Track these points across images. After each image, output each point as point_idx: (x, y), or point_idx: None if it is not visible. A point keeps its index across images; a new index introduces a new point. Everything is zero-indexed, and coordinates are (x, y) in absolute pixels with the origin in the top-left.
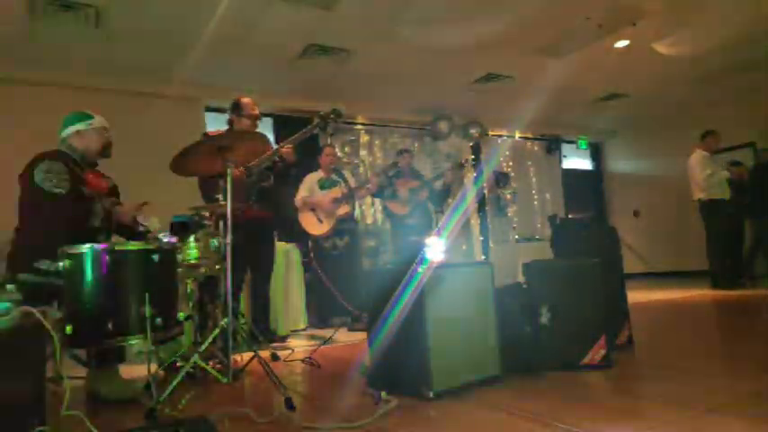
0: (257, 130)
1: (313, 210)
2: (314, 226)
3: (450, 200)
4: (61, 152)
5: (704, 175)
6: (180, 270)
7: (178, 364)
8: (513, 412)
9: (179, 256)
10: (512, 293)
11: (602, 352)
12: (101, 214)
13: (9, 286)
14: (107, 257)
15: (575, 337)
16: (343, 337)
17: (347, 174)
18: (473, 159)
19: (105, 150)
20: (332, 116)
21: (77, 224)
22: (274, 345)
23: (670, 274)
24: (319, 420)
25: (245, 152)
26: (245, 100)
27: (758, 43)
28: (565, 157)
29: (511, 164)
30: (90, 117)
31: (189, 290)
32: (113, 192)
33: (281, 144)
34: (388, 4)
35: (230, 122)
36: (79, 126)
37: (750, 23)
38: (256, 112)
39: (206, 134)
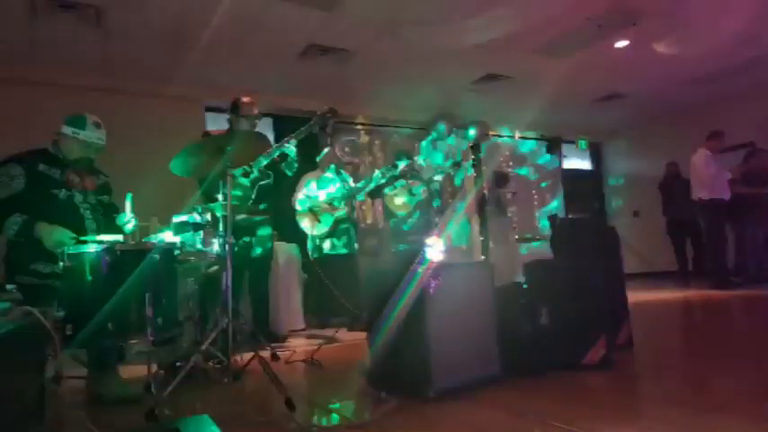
0: (257, 130)
1: (311, 210)
2: (313, 226)
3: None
4: (38, 152)
5: (708, 174)
6: (180, 270)
7: (178, 364)
8: (513, 412)
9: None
10: (512, 293)
11: (602, 352)
12: (15, 228)
13: (9, 286)
14: (107, 257)
15: (575, 337)
16: (343, 337)
17: (346, 173)
18: (473, 160)
19: (78, 162)
20: (328, 114)
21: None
22: (274, 345)
23: (670, 274)
24: (319, 420)
25: (245, 152)
26: (244, 100)
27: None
28: (565, 157)
29: (511, 164)
30: (81, 128)
31: (189, 290)
32: (105, 190)
33: (282, 142)
34: (389, 4)
35: (230, 122)
36: (67, 130)
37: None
38: (255, 112)
39: (206, 132)
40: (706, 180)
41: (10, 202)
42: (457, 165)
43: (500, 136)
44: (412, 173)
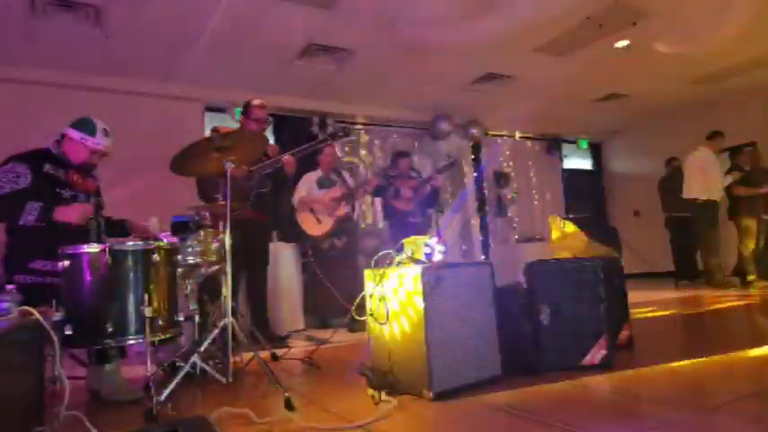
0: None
1: (311, 210)
2: (312, 226)
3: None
4: (40, 151)
5: (712, 174)
6: (180, 270)
7: (178, 364)
8: (513, 412)
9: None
10: (512, 293)
11: (603, 352)
12: (35, 213)
13: (9, 286)
14: (106, 257)
15: (575, 337)
16: (343, 337)
17: (346, 174)
18: (473, 159)
19: (83, 167)
20: (340, 135)
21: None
22: (274, 345)
23: (670, 274)
24: (319, 420)
25: (244, 152)
26: (255, 103)
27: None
28: (565, 156)
29: (511, 164)
30: (91, 134)
31: (189, 290)
32: (99, 191)
33: (285, 154)
34: (388, 3)
35: (241, 122)
36: (74, 133)
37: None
38: (264, 116)
39: (215, 128)
40: (710, 180)
41: (17, 196)
42: (457, 165)
43: (500, 136)
44: (411, 172)
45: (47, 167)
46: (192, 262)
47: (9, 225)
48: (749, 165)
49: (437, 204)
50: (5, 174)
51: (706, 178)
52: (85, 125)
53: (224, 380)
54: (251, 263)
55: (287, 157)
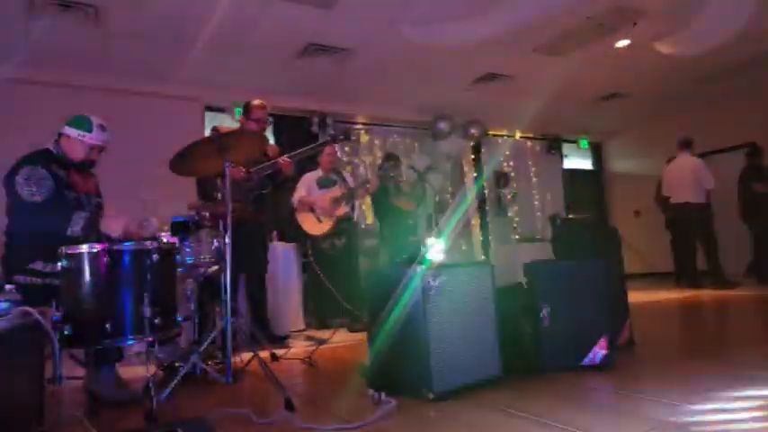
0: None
1: (312, 210)
2: (313, 226)
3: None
4: (45, 153)
5: (711, 178)
6: (179, 270)
7: (177, 365)
8: (513, 412)
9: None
10: (512, 293)
11: (603, 352)
12: (81, 223)
13: (8, 286)
14: (105, 257)
15: (575, 337)
16: (343, 337)
17: (346, 174)
18: (473, 159)
19: (83, 164)
20: (341, 138)
21: (54, 232)
22: (274, 345)
23: (670, 274)
24: (319, 420)
25: (243, 152)
26: (256, 103)
27: (758, 43)
28: (565, 156)
29: (511, 164)
30: (88, 130)
31: (189, 290)
32: (98, 191)
33: (285, 156)
34: (388, 3)
35: (241, 122)
36: (71, 131)
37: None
38: (264, 116)
39: (215, 128)
40: (703, 183)
41: (49, 202)
42: (457, 164)
43: (500, 135)
44: (408, 172)
45: (53, 168)
46: (191, 262)
47: (56, 235)
48: (762, 164)
49: (425, 204)
50: (28, 181)
51: (699, 181)
52: (82, 122)
53: (224, 380)
54: (251, 263)
55: (284, 159)
